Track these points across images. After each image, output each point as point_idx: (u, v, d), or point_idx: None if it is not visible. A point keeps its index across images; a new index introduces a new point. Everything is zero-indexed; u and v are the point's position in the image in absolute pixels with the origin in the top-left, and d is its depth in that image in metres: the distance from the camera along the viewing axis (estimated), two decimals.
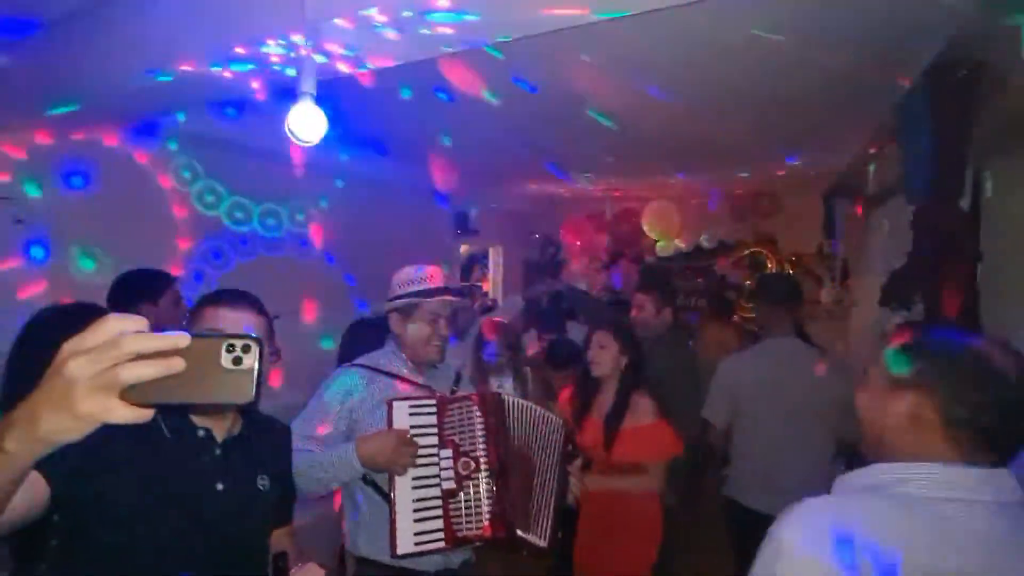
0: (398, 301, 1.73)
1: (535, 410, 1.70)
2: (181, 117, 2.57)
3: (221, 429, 1.16)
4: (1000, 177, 2.31)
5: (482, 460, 1.56)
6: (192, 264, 3.15)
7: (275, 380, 3.37)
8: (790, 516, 0.86)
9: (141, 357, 0.54)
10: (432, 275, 1.74)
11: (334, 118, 1.56)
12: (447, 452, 1.56)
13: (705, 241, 5.82)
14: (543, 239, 6.63)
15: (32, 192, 2.46)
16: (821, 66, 2.12)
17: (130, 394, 0.54)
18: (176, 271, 3.10)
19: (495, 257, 6.42)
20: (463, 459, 1.56)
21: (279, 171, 3.48)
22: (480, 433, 1.59)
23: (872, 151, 3.36)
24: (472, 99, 2.61)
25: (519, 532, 1.53)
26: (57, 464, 0.92)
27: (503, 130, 3.25)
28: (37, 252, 2.49)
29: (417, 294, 1.71)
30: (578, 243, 6.16)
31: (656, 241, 5.81)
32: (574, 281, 5.99)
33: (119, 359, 0.53)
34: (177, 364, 0.54)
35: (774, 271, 5.56)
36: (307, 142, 1.36)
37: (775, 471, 2.23)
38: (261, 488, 1.21)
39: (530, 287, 5.62)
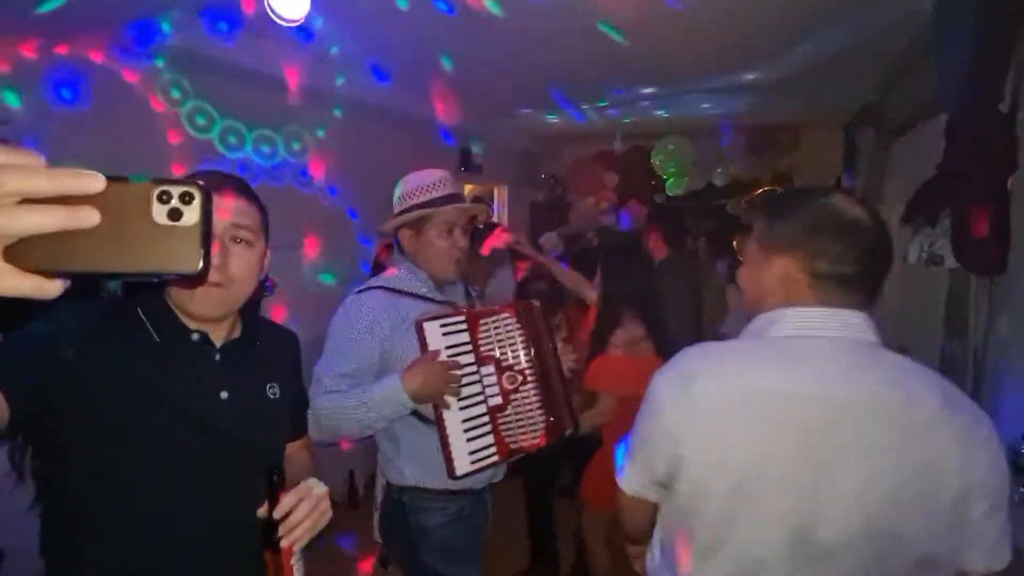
0: (406, 215, 1.57)
1: (536, 305, 1.67)
2: (167, 27, 2.42)
3: (218, 333, 1.06)
4: None
5: (528, 373, 1.56)
6: None
7: (277, 316, 3.37)
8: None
9: (32, 202, 0.39)
10: (442, 180, 1.59)
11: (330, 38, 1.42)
12: (488, 368, 1.53)
13: (718, 179, 5.64)
14: (550, 179, 6.46)
15: (14, 104, 2.36)
16: None
17: (21, 255, 0.39)
18: None
19: (501, 198, 6.28)
20: (507, 374, 1.55)
21: (274, 96, 3.35)
22: (522, 346, 1.58)
23: (898, 77, 3.17)
24: (473, 11, 2.45)
25: (567, 432, 1.59)
26: (15, 375, 0.84)
27: (506, 50, 3.08)
28: None
29: (428, 203, 1.56)
30: (586, 183, 6.00)
31: (666, 180, 5.64)
32: (582, 222, 5.87)
33: None
34: (88, 217, 0.40)
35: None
36: (290, 20, 1.23)
37: None
38: (272, 396, 1.12)
39: (561, 230, 5.41)
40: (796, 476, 0.87)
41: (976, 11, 1.79)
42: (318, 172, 3.73)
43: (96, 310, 1.01)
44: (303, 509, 0.94)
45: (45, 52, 2.43)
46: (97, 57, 2.61)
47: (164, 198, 0.42)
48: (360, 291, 1.56)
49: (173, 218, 0.42)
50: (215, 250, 0.97)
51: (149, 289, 1.04)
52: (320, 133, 3.68)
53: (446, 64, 3.24)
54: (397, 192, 1.64)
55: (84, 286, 1.24)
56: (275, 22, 1.96)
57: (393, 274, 1.62)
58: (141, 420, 0.95)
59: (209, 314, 1.02)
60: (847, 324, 0.91)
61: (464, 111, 4.22)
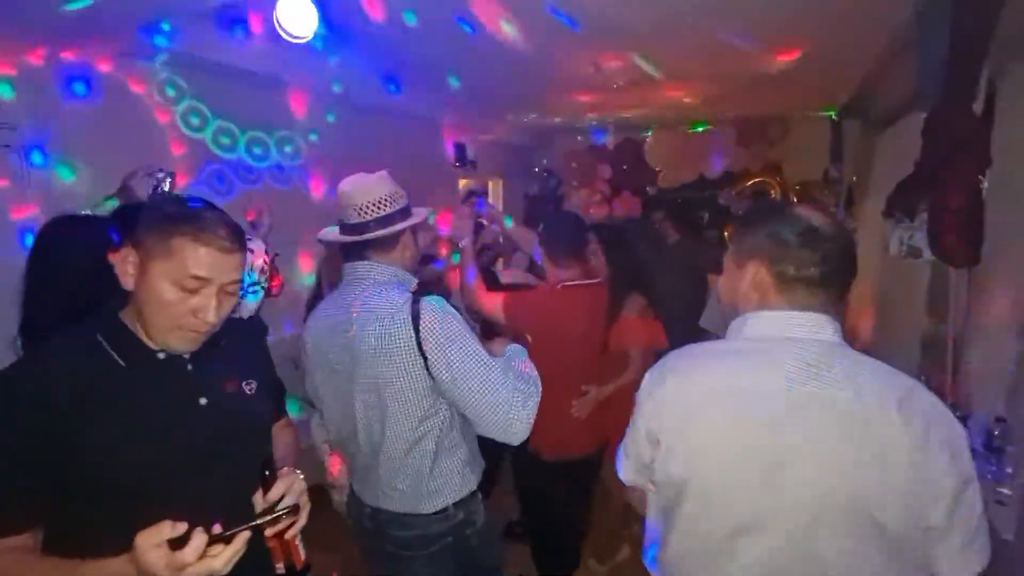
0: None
1: None
2: (166, 27, 2.45)
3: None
4: (1016, 83, 2.22)
5: None
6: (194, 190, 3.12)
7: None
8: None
9: None
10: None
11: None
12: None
13: (707, 171, 5.72)
14: (544, 172, 6.51)
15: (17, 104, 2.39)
16: None
17: None
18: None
19: (495, 191, 6.33)
20: None
21: (272, 97, 3.39)
22: None
23: (883, 69, 3.24)
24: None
25: None
26: (19, 516, 0.95)
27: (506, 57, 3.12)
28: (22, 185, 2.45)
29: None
30: (579, 175, 6.06)
31: (658, 172, 5.71)
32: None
33: None
34: None
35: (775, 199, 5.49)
36: (298, 38, 1.29)
37: None
38: (250, 392, 1.16)
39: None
40: (754, 467, 0.93)
41: (953, 18, 1.87)
42: (314, 169, 3.77)
43: (61, 353, 1.02)
44: (289, 500, 0.99)
45: (51, 59, 2.46)
46: (103, 65, 2.64)
47: None
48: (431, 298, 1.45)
49: None
50: (209, 301, 1.02)
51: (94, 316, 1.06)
52: (313, 137, 3.73)
53: (453, 82, 3.29)
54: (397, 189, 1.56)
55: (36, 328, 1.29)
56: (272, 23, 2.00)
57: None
58: (127, 445, 0.98)
59: (188, 350, 1.07)
60: (812, 325, 0.97)
61: (459, 109, 4.26)
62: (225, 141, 3.21)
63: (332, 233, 1.52)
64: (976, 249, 1.88)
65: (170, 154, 2.94)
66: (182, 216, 1.00)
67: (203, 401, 1.08)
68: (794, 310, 0.98)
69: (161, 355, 1.05)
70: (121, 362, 1.02)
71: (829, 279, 0.98)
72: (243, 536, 0.90)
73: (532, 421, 1.39)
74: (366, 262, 1.46)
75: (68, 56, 2.47)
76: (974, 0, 1.84)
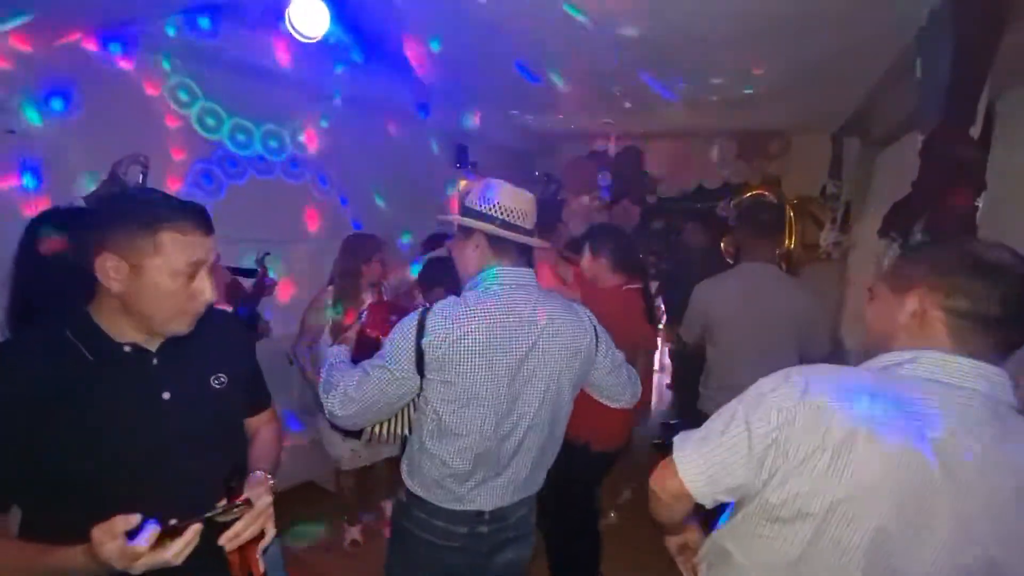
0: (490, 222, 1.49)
1: None
2: (171, 31, 2.46)
3: (153, 340, 1.11)
4: (1013, 108, 2.26)
5: None
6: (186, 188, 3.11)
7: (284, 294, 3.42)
8: (813, 378, 0.92)
9: None
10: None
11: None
12: None
13: (706, 182, 5.74)
14: (544, 176, 6.53)
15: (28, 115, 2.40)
16: None
17: None
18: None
19: None
20: None
21: (271, 91, 3.39)
22: None
23: (884, 88, 3.27)
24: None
25: None
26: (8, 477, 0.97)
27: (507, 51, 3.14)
28: (30, 182, 2.44)
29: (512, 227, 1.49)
30: (580, 181, 6.08)
31: (659, 180, 5.74)
32: (575, 220, 5.95)
33: None
34: None
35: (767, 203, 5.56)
36: (309, 38, 1.30)
37: (746, 383, 2.36)
38: (218, 386, 1.17)
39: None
40: (897, 527, 0.82)
41: (954, 45, 1.90)
42: (313, 166, 3.78)
43: (30, 347, 1.05)
44: (243, 523, 0.99)
45: (42, 47, 2.46)
46: (93, 48, 2.64)
47: None
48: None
49: None
50: (205, 282, 1.08)
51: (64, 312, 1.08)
52: (323, 122, 3.73)
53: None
54: (484, 193, 1.51)
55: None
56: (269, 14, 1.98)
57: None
58: (92, 437, 1.01)
59: (183, 331, 1.10)
60: (988, 378, 0.85)
61: (461, 108, 4.27)
62: (210, 125, 3.21)
63: (513, 235, 1.46)
64: None
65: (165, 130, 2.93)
66: (159, 212, 1.03)
67: (166, 395, 1.09)
68: (967, 357, 0.86)
69: (127, 348, 1.07)
70: (90, 356, 1.04)
71: (1008, 322, 0.85)
72: (194, 528, 0.92)
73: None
74: (529, 269, 1.51)
75: (58, 42, 2.46)
76: (975, 28, 1.86)
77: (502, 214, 1.44)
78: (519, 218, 1.46)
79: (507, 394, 1.42)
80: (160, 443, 1.07)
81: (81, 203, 1.82)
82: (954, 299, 0.86)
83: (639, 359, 2.43)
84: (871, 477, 0.82)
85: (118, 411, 1.04)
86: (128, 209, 1.03)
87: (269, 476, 1.14)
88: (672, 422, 4.84)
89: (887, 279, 0.97)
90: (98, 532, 0.88)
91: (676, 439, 1.04)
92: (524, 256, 1.50)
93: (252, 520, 1.00)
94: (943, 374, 0.85)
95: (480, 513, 1.49)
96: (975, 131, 1.97)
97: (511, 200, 1.46)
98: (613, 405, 1.69)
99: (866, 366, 0.94)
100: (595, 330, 1.57)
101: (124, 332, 1.07)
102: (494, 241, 1.45)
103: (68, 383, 1.01)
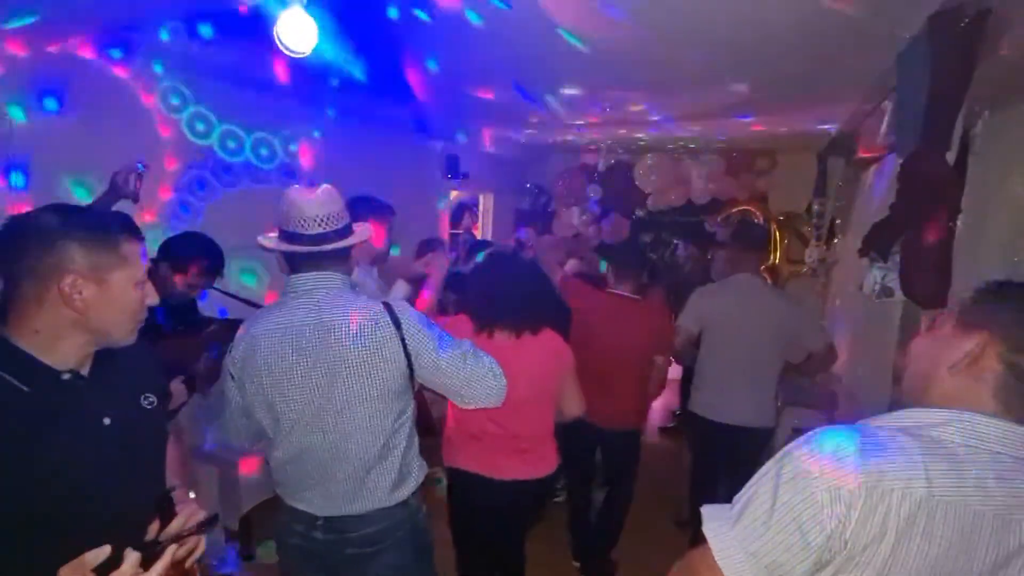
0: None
1: None
2: (165, 36, 2.47)
3: (84, 364, 1.06)
4: (990, 131, 2.33)
5: None
6: (178, 195, 3.11)
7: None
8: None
9: None
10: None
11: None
12: None
13: (695, 197, 5.82)
14: (535, 188, 6.58)
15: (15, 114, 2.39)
16: (820, 10, 2.08)
17: None
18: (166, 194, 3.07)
19: (485, 204, 6.38)
20: None
21: (268, 100, 3.40)
22: None
23: (868, 109, 3.35)
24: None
25: None
26: None
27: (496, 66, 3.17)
28: (17, 179, 2.43)
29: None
30: (570, 193, 6.13)
31: (648, 194, 5.80)
32: (564, 232, 6.00)
33: None
34: None
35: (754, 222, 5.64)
36: (298, 53, 1.32)
37: (734, 387, 2.70)
38: (148, 407, 1.16)
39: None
40: None
41: (931, 70, 1.96)
42: (304, 175, 3.79)
43: None
44: (195, 538, 0.98)
45: (36, 51, 2.46)
46: (88, 54, 2.64)
47: None
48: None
49: None
50: (149, 287, 1.09)
51: None
52: (316, 134, 3.74)
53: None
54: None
55: None
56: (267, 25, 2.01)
57: None
58: (42, 473, 0.96)
59: (132, 341, 1.10)
60: None
61: (451, 120, 4.29)
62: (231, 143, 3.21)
63: (280, 243, 1.49)
64: (944, 292, 1.95)
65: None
66: (111, 226, 1.04)
67: (107, 421, 1.06)
68: (1015, 423, 0.78)
69: (66, 376, 1.02)
70: (25, 388, 0.97)
71: None
72: (171, 549, 0.90)
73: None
74: (325, 272, 1.48)
75: (52, 49, 2.46)
76: (951, 55, 1.92)
77: (284, 224, 1.47)
78: (298, 225, 1.45)
79: (308, 402, 1.44)
80: (104, 470, 1.03)
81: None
82: (1015, 354, 0.78)
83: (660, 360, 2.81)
84: (936, 551, 0.76)
85: (61, 443, 0.99)
86: (78, 227, 1.00)
87: (191, 492, 1.14)
88: (676, 411, 4.92)
89: (958, 309, 0.88)
90: (67, 571, 0.83)
91: (706, 522, 0.87)
92: (314, 260, 1.46)
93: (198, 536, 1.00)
94: (981, 439, 0.77)
95: (311, 518, 1.53)
96: (951, 156, 2.02)
97: (288, 207, 1.47)
98: (467, 407, 1.54)
99: (886, 424, 0.84)
100: (398, 329, 1.44)
101: (59, 356, 1.01)
102: (285, 254, 1.49)
103: (4, 420, 0.95)
